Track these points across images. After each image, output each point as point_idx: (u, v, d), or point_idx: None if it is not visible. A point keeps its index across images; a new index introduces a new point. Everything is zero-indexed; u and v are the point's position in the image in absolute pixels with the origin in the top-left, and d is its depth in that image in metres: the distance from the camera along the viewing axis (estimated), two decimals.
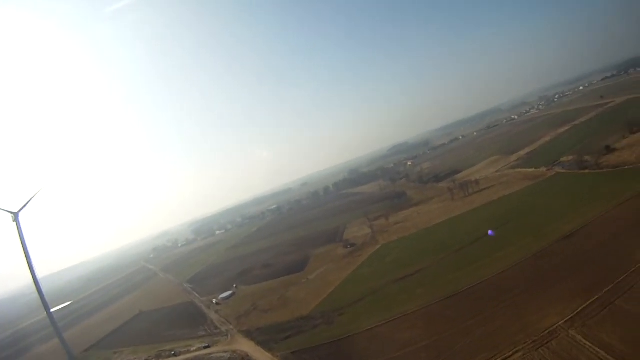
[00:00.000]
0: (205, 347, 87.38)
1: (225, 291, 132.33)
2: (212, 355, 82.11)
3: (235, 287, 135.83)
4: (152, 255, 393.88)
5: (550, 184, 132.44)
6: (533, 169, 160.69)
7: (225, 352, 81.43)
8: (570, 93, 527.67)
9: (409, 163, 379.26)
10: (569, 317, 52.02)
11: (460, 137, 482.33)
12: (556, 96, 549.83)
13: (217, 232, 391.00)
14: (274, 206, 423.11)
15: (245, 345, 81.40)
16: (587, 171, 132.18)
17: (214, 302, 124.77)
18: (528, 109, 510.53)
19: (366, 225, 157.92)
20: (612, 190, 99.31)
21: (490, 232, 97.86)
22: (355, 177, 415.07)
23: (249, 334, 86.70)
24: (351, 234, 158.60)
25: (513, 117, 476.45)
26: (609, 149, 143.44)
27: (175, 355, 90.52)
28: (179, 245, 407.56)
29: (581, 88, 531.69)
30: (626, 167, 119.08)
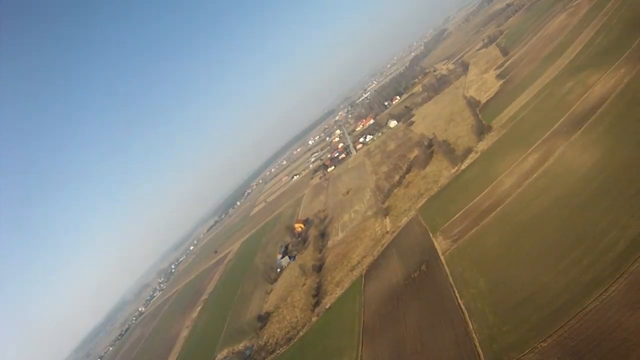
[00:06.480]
0: None
1: None
2: None
3: None
4: None
5: None
6: None
7: None
8: (184, 257, 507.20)
9: None
10: None
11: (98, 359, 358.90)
12: (172, 266, 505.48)
13: None
14: None
15: None
16: None
17: None
18: (152, 292, 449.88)
19: None
20: None
21: None
22: None
23: None
24: None
25: (140, 309, 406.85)
26: (263, 319, 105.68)
27: None
28: None
29: (192, 248, 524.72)
30: (292, 341, 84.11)
